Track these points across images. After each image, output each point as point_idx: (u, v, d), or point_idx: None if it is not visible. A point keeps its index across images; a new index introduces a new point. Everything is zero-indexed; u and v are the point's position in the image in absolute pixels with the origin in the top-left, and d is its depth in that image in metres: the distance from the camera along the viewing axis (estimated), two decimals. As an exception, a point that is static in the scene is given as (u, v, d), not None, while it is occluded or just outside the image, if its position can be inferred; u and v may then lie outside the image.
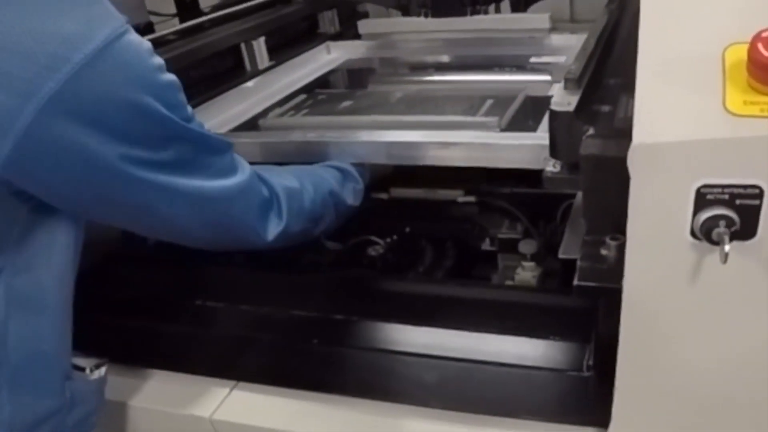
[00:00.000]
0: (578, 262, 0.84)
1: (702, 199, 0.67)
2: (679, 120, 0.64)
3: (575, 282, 0.83)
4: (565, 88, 0.87)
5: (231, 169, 0.94)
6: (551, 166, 0.88)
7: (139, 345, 1.24)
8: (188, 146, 0.86)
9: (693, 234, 0.68)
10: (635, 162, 0.67)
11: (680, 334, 0.76)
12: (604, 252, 0.83)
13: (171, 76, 0.85)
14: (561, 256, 0.95)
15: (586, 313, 0.91)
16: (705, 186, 0.66)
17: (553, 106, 0.82)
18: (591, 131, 0.79)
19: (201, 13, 1.80)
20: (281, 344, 1.15)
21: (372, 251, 1.35)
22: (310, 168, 1.18)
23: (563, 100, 0.83)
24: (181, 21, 1.75)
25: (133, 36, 0.80)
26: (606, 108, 0.86)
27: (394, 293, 1.21)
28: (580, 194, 1.06)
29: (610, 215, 0.80)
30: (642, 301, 0.75)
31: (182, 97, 0.88)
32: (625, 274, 0.75)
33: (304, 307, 1.17)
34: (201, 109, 1.51)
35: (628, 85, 0.75)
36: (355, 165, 1.22)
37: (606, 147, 0.76)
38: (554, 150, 0.86)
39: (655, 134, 0.64)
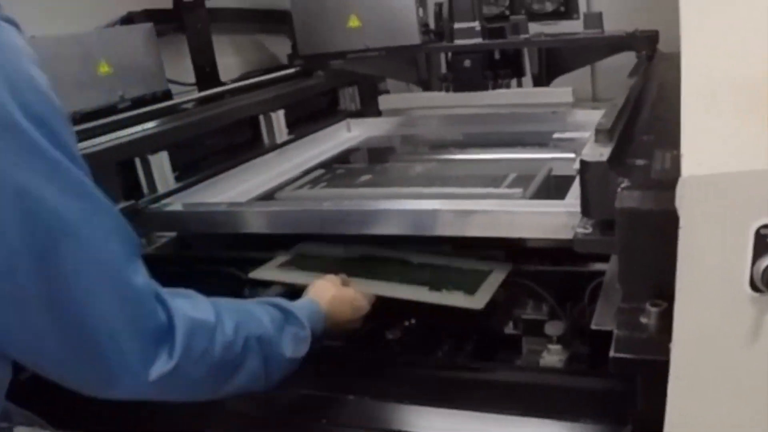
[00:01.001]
0: (614, 333, 0.75)
1: (762, 243, 0.58)
2: (734, 149, 0.56)
3: (611, 354, 0.73)
4: (596, 140, 0.80)
5: None
6: (582, 227, 0.81)
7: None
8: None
9: (753, 285, 0.59)
10: (685, 199, 0.58)
11: (739, 407, 0.65)
12: (643, 320, 0.74)
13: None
14: (594, 327, 0.86)
15: (622, 392, 0.82)
16: (766, 226, 0.58)
17: (585, 157, 0.76)
18: (626, 183, 0.71)
19: (220, 84, 1.79)
20: (290, 423, 1.05)
21: (390, 335, 1.27)
22: (241, 303, 0.95)
23: (595, 151, 0.76)
24: (200, 91, 1.75)
25: None
26: (641, 161, 0.79)
27: (415, 375, 1.12)
28: (610, 268, 0.99)
29: (650, 278, 0.71)
30: (693, 370, 0.65)
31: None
32: (673, 339, 0.65)
33: (315, 385, 1.08)
34: (218, 179, 1.48)
35: (663, 141, 0.68)
36: (308, 303, 1.03)
37: (644, 199, 0.69)
38: (586, 206, 0.79)
39: (707, 165, 0.56)
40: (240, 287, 1.33)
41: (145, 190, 1.35)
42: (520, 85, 1.89)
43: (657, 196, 0.64)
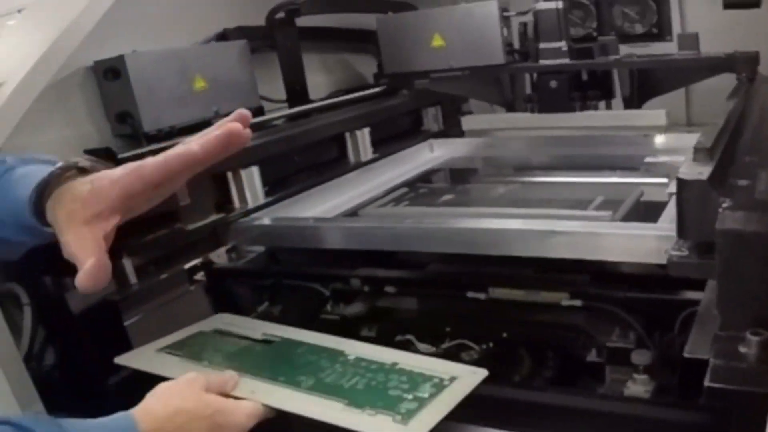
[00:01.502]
0: (710, 361, 0.72)
1: None
2: None
3: (706, 383, 0.70)
4: (695, 159, 0.78)
5: None
6: (677, 250, 0.78)
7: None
8: None
9: None
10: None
11: None
12: (742, 350, 0.71)
13: None
14: (687, 355, 0.83)
15: (713, 426, 0.78)
16: None
17: (683, 176, 0.73)
18: (728, 203, 0.69)
19: (309, 101, 1.83)
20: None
21: (466, 356, 1.25)
22: None
23: (693, 170, 0.74)
24: (290, 108, 1.78)
25: None
26: (744, 182, 0.76)
27: (490, 397, 1.10)
28: (706, 294, 0.95)
29: (751, 305, 0.69)
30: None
31: None
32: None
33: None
34: (305, 195, 1.51)
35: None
36: (116, 422, 0.75)
37: (748, 220, 0.66)
38: (682, 228, 0.76)
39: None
40: (322, 303, 1.35)
41: (236, 203, 1.39)
42: (609, 107, 1.85)
43: (762, 217, 0.62)
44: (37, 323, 1.13)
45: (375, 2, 2.04)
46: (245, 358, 0.96)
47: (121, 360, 0.99)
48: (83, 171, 0.83)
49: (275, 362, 0.94)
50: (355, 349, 0.96)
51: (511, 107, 2.00)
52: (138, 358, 0.99)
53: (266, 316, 1.42)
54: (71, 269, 1.03)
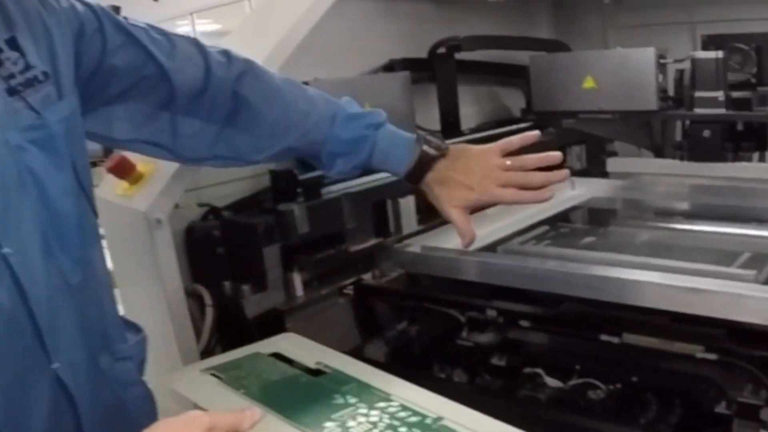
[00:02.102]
0: None
1: None
2: None
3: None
4: None
5: None
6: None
7: None
8: None
9: None
10: None
11: None
12: None
13: None
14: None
15: None
16: None
17: None
18: None
19: (461, 133, 1.91)
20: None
21: (593, 395, 1.29)
22: None
23: None
24: (443, 138, 1.86)
25: None
26: None
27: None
28: None
29: None
30: None
31: None
32: None
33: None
34: (443, 230, 1.57)
35: None
36: None
37: None
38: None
39: None
40: (458, 329, 1.43)
41: (392, 229, 1.50)
42: (763, 159, 1.82)
43: None
44: (217, 323, 1.27)
45: (530, 41, 2.11)
46: (282, 391, 0.92)
47: (165, 380, 0.98)
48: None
49: (310, 401, 0.88)
50: (404, 393, 0.88)
51: (659, 152, 2.00)
52: (182, 378, 0.98)
53: (404, 335, 1.52)
54: (247, 278, 1.18)
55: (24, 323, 0.80)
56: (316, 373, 0.96)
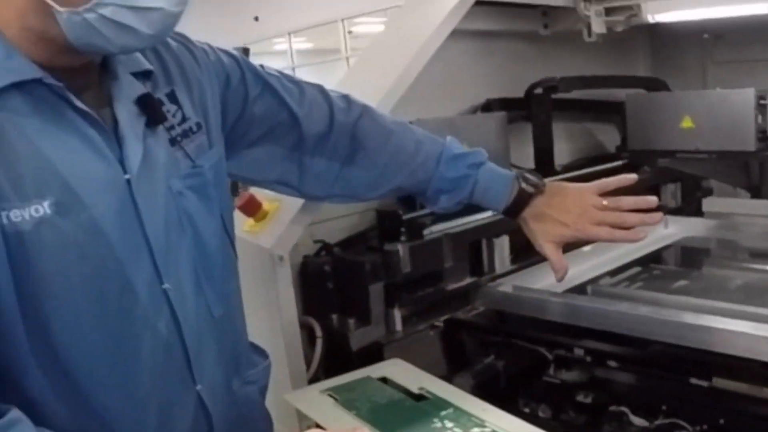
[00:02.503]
0: None
1: None
2: None
3: None
4: None
5: None
6: None
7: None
8: None
9: None
10: None
11: None
12: None
13: None
14: None
15: None
16: None
17: None
18: None
19: (554, 171, 1.95)
20: None
21: (678, 438, 1.31)
22: None
23: None
24: (538, 176, 1.92)
25: None
26: None
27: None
28: None
29: None
30: None
31: None
32: None
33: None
34: (533, 269, 1.62)
35: None
36: None
37: None
38: None
39: None
40: (544, 366, 1.48)
41: (486, 268, 1.56)
42: None
43: None
44: (326, 354, 1.37)
45: (627, 79, 2.13)
46: (388, 414, 1.02)
47: (288, 397, 1.10)
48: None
49: (412, 424, 1.00)
50: (497, 420, 0.98)
51: (756, 193, 1.98)
52: (303, 397, 1.11)
53: (490, 369, 1.57)
54: (353, 312, 1.27)
55: (177, 350, 0.93)
56: (418, 398, 1.07)
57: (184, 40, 1.05)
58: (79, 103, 0.84)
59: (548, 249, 1.22)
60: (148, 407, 0.91)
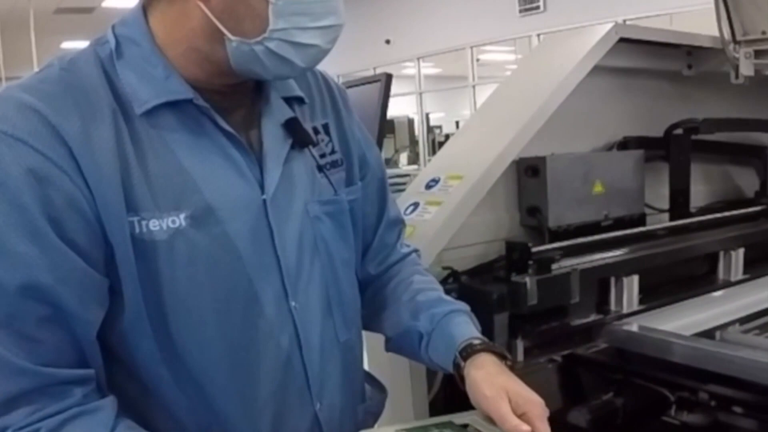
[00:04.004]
0: None
1: None
2: None
3: None
4: None
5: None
6: None
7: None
8: None
9: None
10: None
11: None
12: None
13: None
14: None
15: None
16: None
17: None
18: None
19: (689, 213, 1.92)
20: None
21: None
22: None
23: None
24: (671, 218, 1.90)
25: None
26: None
27: None
28: None
29: None
30: None
31: None
32: None
33: None
34: (664, 310, 1.61)
35: None
36: None
37: None
38: None
39: None
40: (665, 407, 1.45)
41: (613, 306, 1.56)
42: None
43: None
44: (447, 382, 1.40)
45: (772, 124, 2.06)
46: None
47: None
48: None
49: None
50: None
51: None
52: None
53: (608, 407, 1.56)
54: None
55: (297, 365, 0.97)
56: None
57: (345, 96, 1.12)
58: (224, 125, 0.90)
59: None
60: (264, 416, 0.95)
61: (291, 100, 1.02)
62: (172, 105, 0.88)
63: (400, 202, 1.61)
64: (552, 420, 1.37)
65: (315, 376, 0.99)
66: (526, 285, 1.37)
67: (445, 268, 1.45)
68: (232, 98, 0.94)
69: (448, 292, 1.39)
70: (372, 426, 1.15)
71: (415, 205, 1.56)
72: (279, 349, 0.95)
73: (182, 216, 0.86)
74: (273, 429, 0.96)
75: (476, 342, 1.03)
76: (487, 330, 1.37)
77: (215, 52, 0.88)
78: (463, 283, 1.44)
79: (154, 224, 0.85)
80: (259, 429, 0.95)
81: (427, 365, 1.13)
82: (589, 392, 1.57)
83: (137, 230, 0.84)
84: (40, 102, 0.81)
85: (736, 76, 1.93)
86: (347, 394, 1.06)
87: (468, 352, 1.02)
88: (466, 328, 1.07)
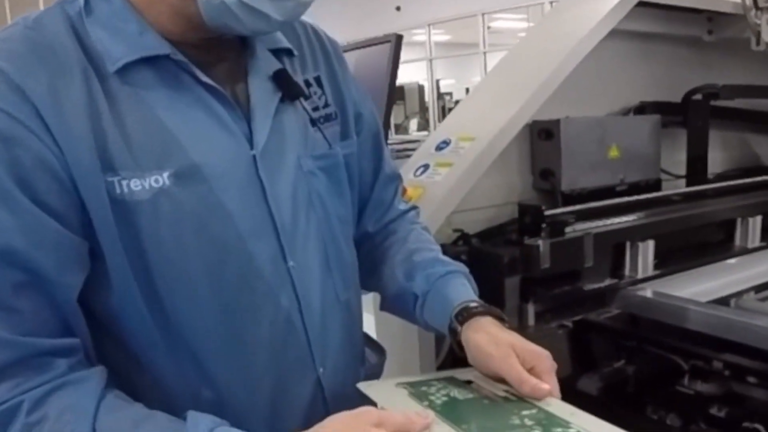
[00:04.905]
0: None
1: None
2: None
3: None
4: None
5: None
6: None
7: None
8: None
9: None
10: None
11: None
12: None
13: None
14: None
15: None
16: None
17: None
18: None
19: (706, 179, 1.89)
20: None
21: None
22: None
23: None
24: (688, 183, 1.87)
25: None
26: None
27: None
28: None
29: None
30: None
31: None
32: None
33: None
34: (679, 276, 1.59)
35: None
36: None
37: None
38: None
39: None
40: (678, 375, 1.43)
41: (627, 271, 1.53)
42: None
43: None
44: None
45: (794, 91, 2.01)
46: (463, 408, 0.91)
47: (361, 385, 0.98)
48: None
49: (487, 419, 0.88)
50: (584, 423, 0.85)
51: None
52: (376, 387, 0.99)
53: (619, 374, 1.54)
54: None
55: (298, 328, 0.93)
56: (503, 399, 0.94)
57: (338, 49, 1.08)
58: (205, 78, 0.85)
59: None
60: (263, 384, 0.92)
61: (279, 53, 0.97)
62: (148, 61, 0.84)
63: (410, 163, 1.59)
64: (562, 387, 1.36)
65: (317, 339, 0.95)
66: (539, 248, 1.34)
67: (455, 231, 1.42)
68: (213, 52, 0.90)
69: (458, 254, 1.39)
70: None
71: (425, 166, 1.53)
72: (278, 312, 0.91)
73: (165, 174, 0.82)
74: (272, 397, 0.93)
75: (473, 305, 1.00)
76: (497, 293, 1.36)
77: (186, 6, 0.83)
78: (473, 246, 1.41)
79: (135, 184, 0.81)
80: (258, 398, 0.92)
81: (422, 327, 1.10)
82: (600, 359, 1.55)
83: (117, 190, 0.80)
84: (2, 61, 0.77)
85: (757, 43, 1.87)
86: (348, 356, 1.03)
87: (465, 315, 0.98)
88: (463, 290, 1.04)
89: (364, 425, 0.75)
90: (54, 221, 0.78)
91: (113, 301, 0.84)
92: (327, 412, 0.94)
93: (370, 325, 1.18)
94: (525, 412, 0.87)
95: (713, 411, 1.34)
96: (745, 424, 1.28)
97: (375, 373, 1.14)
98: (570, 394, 1.47)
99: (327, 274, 0.97)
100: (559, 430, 0.82)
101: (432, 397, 0.93)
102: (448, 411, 0.88)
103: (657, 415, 1.41)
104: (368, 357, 1.13)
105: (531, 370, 0.91)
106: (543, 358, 0.93)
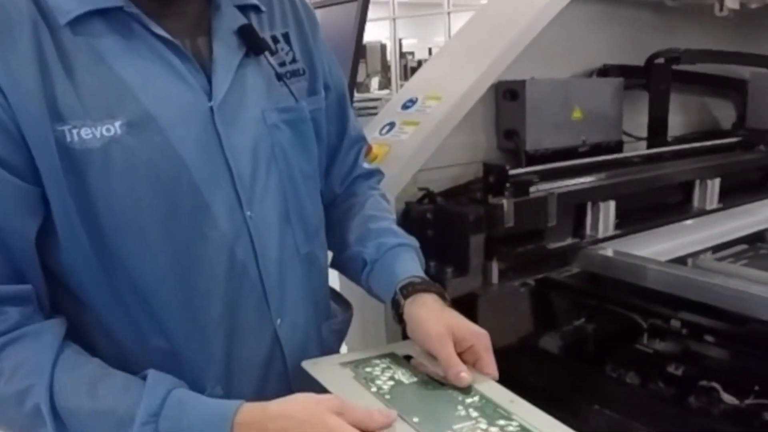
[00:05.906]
0: None
1: None
2: None
3: None
4: None
5: None
6: None
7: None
8: None
9: None
10: None
11: None
12: None
13: None
14: None
15: None
16: None
17: None
18: None
19: (666, 142, 1.92)
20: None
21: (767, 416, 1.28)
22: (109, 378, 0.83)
23: None
24: (649, 146, 1.90)
25: None
26: None
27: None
28: None
29: None
30: None
31: None
32: None
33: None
34: (639, 236, 1.62)
35: None
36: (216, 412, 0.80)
37: None
38: None
39: None
40: (638, 334, 1.47)
41: (588, 231, 1.55)
42: None
43: None
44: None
45: (753, 57, 2.04)
46: (409, 396, 0.91)
47: (305, 364, 0.98)
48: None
49: (434, 409, 0.89)
50: (525, 414, 0.86)
51: None
52: (321, 367, 0.98)
53: (579, 332, 1.58)
54: (451, 261, 1.28)
55: (254, 278, 0.93)
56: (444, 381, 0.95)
57: (309, 9, 1.07)
58: (158, 30, 0.85)
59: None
60: (217, 335, 0.92)
61: (246, 9, 0.97)
62: (101, 13, 0.83)
63: (376, 121, 1.58)
64: (523, 345, 1.39)
65: (273, 289, 0.96)
66: (503, 207, 1.35)
67: (420, 189, 1.43)
68: (176, 6, 0.89)
69: (423, 212, 1.40)
70: (338, 345, 1.14)
71: (391, 125, 1.53)
72: (233, 262, 0.91)
73: (117, 124, 0.82)
74: (227, 349, 0.93)
75: (417, 281, 1.02)
76: (462, 251, 1.38)
77: None
78: (438, 204, 1.42)
79: (86, 132, 0.81)
80: (213, 349, 0.92)
81: (366, 291, 1.12)
82: (561, 317, 1.58)
83: (68, 139, 0.80)
84: None
85: (721, 9, 1.89)
86: (309, 310, 1.04)
87: (409, 290, 1.01)
88: (410, 264, 1.06)
89: (325, 411, 0.77)
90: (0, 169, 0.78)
91: (62, 251, 0.84)
92: (285, 369, 0.99)
93: (334, 280, 1.18)
94: (468, 401, 0.90)
95: (671, 369, 1.39)
96: (702, 383, 1.33)
97: (341, 329, 1.15)
98: (532, 351, 1.51)
99: (286, 227, 0.98)
100: (502, 422, 0.85)
101: (379, 381, 0.94)
102: (396, 398, 0.89)
103: (616, 374, 1.45)
104: (334, 311, 1.14)
105: (470, 349, 0.93)
106: (481, 337, 0.94)
